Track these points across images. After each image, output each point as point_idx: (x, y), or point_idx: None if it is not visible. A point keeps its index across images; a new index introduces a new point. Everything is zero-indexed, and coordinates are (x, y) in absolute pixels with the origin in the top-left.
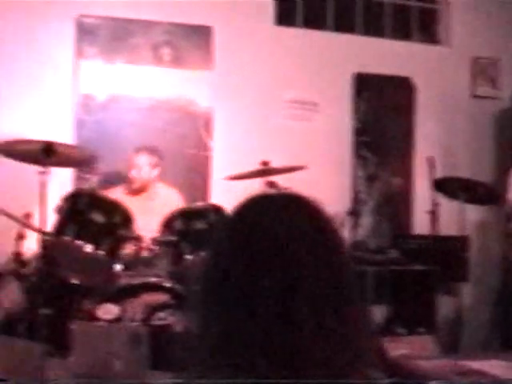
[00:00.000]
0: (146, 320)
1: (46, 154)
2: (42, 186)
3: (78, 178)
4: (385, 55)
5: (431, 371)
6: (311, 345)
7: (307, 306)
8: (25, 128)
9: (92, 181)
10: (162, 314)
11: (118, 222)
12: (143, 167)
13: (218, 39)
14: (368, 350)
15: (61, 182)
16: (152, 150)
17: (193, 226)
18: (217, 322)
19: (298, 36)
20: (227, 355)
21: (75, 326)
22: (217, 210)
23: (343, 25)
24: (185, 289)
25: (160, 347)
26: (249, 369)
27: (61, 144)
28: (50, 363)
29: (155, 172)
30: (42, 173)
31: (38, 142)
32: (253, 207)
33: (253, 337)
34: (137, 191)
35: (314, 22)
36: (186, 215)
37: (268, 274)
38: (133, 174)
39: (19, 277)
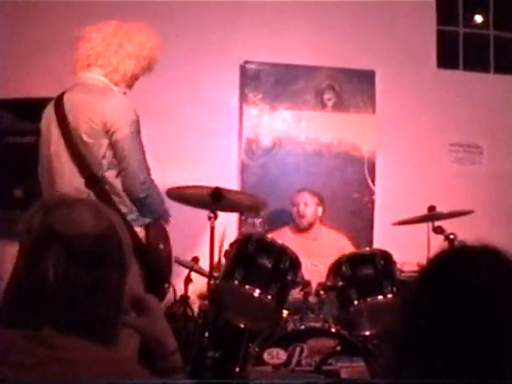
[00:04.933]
0: (318, 366)
1: (214, 200)
2: (211, 231)
3: (243, 222)
4: None
5: None
6: None
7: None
8: (193, 173)
9: (256, 224)
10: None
11: (286, 267)
12: (308, 204)
13: (380, 83)
14: None
15: (227, 225)
16: (313, 192)
17: (359, 271)
18: (409, 371)
19: (460, 79)
20: None
21: (249, 371)
22: (383, 255)
23: (505, 66)
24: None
25: None
26: None
27: (229, 190)
28: None
29: (319, 211)
30: (211, 218)
31: (207, 187)
32: (451, 258)
33: None
34: (303, 229)
35: (475, 64)
36: (352, 260)
37: (464, 327)
38: (300, 209)
39: (186, 319)
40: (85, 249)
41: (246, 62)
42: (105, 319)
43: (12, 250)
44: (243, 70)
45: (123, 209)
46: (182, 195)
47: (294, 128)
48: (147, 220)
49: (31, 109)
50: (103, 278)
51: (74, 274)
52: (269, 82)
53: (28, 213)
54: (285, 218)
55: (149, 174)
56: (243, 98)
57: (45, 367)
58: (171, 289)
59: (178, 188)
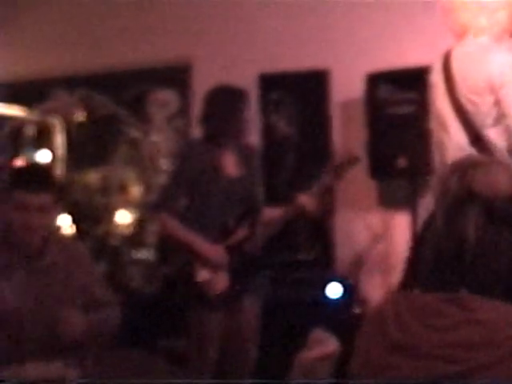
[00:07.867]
0: None
1: None
2: None
3: None
4: None
5: None
6: None
7: None
8: None
9: None
10: None
11: None
12: None
13: None
14: None
15: None
16: None
17: None
18: None
19: None
20: None
21: None
22: None
23: None
24: None
25: None
26: None
27: None
28: None
29: None
30: None
31: None
32: None
33: None
34: None
35: None
36: None
37: None
38: None
39: None
40: (503, 210)
41: None
42: None
43: (397, 219)
44: None
45: None
46: None
47: None
48: None
49: (409, 78)
50: None
51: (495, 236)
52: None
53: (441, 175)
54: None
55: None
56: None
57: (461, 329)
58: None
59: None
